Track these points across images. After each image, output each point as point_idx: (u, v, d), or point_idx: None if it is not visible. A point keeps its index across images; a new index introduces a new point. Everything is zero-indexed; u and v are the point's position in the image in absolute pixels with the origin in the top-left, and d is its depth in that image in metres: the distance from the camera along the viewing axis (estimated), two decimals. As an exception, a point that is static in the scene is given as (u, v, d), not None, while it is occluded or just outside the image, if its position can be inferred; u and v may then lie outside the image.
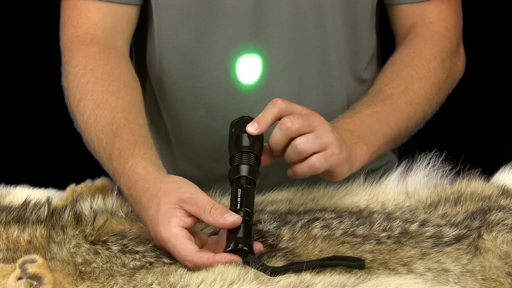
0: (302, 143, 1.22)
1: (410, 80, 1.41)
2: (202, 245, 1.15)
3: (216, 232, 1.19)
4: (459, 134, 2.32)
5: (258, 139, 1.23)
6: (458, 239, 1.18)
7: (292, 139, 1.22)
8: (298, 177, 1.24)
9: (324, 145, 1.22)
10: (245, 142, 1.22)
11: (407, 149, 1.44)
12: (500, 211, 1.22)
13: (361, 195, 1.30)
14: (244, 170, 1.20)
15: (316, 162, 1.22)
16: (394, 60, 1.46)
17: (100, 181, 1.37)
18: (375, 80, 1.45)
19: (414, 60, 1.44)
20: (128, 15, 1.44)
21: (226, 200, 1.26)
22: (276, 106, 1.23)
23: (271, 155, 1.25)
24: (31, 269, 1.04)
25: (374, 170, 1.47)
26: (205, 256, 1.11)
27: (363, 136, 1.31)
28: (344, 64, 1.46)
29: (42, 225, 1.17)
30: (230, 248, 1.12)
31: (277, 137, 1.22)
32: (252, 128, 1.22)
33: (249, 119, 1.23)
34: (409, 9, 1.49)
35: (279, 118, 1.23)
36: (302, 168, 1.23)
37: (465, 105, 2.19)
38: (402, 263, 1.14)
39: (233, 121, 1.25)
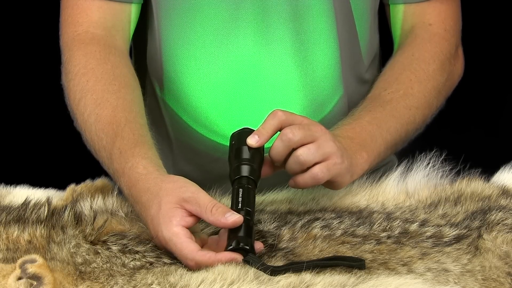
0: (304, 154, 1.21)
1: (409, 84, 1.41)
2: (202, 245, 1.15)
3: (216, 232, 1.19)
4: (459, 134, 2.32)
5: (259, 151, 1.22)
6: (458, 239, 1.18)
7: (294, 149, 1.22)
8: (300, 187, 1.24)
9: (326, 155, 1.22)
10: (246, 154, 1.21)
11: (407, 149, 1.43)
12: (500, 211, 1.22)
13: (361, 195, 1.30)
14: (245, 170, 1.20)
15: (319, 173, 1.22)
16: (393, 63, 1.45)
17: (100, 181, 1.37)
18: (374, 84, 1.44)
19: (413, 63, 1.43)
20: (128, 14, 1.44)
21: (226, 200, 1.26)
22: (276, 117, 1.22)
23: (272, 166, 1.24)
24: (31, 269, 1.04)
25: (374, 170, 1.47)
26: (206, 255, 1.11)
27: (363, 144, 1.30)
28: (345, 64, 1.46)
29: (42, 225, 1.17)
30: (231, 247, 1.12)
31: (278, 149, 1.22)
32: (252, 141, 1.22)
33: (250, 131, 1.23)
34: (408, 10, 1.49)
35: (279, 129, 1.23)
36: (305, 179, 1.22)
37: (465, 105, 2.19)
38: (402, 263, 1.14)
39: (233, 133, 1.25)
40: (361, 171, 1.28)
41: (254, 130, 1.22)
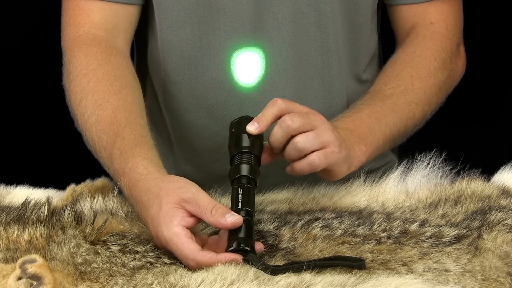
0: (302, 141, 1.22)
1: (410, 80, 1.41)
2: (202, 245, 1.15)
3: (216, 232, 1.19)
4: (459, 134, 2.31)
5: (258, 139, 1.23)
6: (458, 239, 1.18)
7: (292, 137, 1.23)
8: (297, 174, 1.24)
9: (324, 143, 1.23)
10: (245, 142, 1.22)
11: (407, 149, 1.44)
12: (500, 211, 1.22)
13: (361, 195, 1.30)
14: (244, 169, 1.20)
15: (316, 160, 1.22)
16: (395, 60, 1.46)
17: (100, 181, 1.37)
18: (375, 80, 1.45)
19: (414, 60, 1.44)
20: (129, 15, 1.44)
21: (226, 200, 1.26)
22: (276, 105, 1.23)
23: (271, 153, 1.25)
24: (31, 269, 1.04)
25: (374, 170, 1.47)
26: (207, 255, 1.11)
27: (362, 136, 1.31)
28: (344, 64, 1.47)
29: (42, 225, 1.17)
30: (232, 248, 1.12)
31: (277, 135, 1.22)
32: (252, 128, 1.22)
33: (249, 119, 1.23)
34: (410, 10, 1.49)
35: (279, 117, 1.23)
36: (302, 165, 1.23)
37: (465, 104, 2.19)
38: (402, 263, 1.14)
39: (233, 121, 1.25)
40: (358, 163, 1.29)
41: (253, 118, 1.23)
